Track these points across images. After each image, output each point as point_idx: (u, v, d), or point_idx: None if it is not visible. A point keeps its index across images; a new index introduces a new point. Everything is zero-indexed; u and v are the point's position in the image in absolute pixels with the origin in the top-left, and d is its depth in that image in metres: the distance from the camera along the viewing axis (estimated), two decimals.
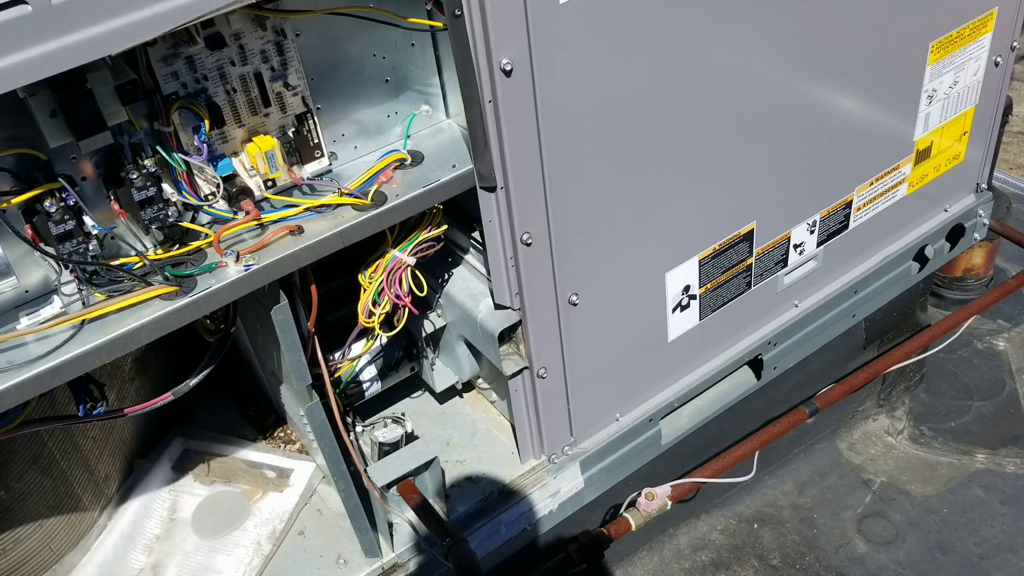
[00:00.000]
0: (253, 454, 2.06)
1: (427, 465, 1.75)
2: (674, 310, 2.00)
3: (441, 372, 2.01)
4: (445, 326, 1.93)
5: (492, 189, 1.58)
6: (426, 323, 1.93)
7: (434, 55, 1.64)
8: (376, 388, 1.94)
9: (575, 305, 1.79)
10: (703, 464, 2.09)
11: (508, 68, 1.46)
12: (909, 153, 2.22)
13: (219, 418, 2.18)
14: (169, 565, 1.85)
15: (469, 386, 2.15)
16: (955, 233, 2.51)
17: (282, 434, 2.13)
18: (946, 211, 2.46)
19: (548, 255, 1.70)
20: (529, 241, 1.65)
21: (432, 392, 2.12)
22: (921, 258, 2.45)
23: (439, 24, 1.53)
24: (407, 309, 1.67)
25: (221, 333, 1.57)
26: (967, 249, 2.68)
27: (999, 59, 2.25)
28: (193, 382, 1.58)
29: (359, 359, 1.82)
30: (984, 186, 2.50)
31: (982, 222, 2.54)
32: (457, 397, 2.16)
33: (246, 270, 1.41)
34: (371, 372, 1.91)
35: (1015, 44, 2.27)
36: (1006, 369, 3.01)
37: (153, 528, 1.92)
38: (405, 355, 1.96)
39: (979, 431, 2.84)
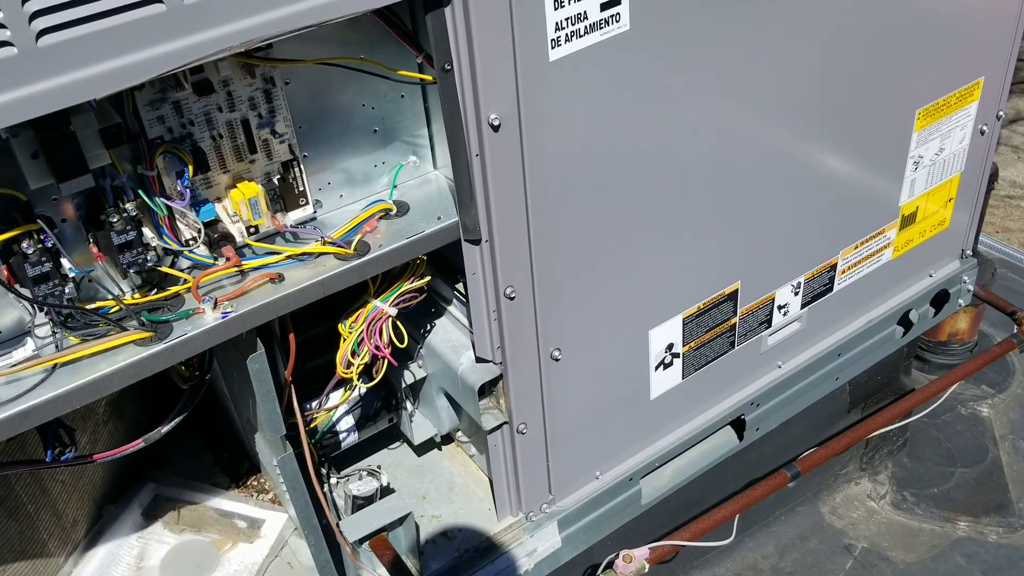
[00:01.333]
0: (225, 503, 2.02)
1: (401, 521, 1.72)
2: (657, 368, 1.98)
3: (420, 424, 1.98)
4: (426, 377, 1.90)
5: (477, 242, 1.58)
6: (406, 374, 1.90)
7: (423, 107, 1.65)
8: (353, 439, 1.91)
9: (557, 360, 1.78)
10: (683, 526, 2.06)
11: (496, 123, 1.46)
12: (894, 218, 2.23)
13: (192, 464, 2.14)
14: None
15: (448, 439, 2.12)
16: (940, 298, 2.51)
17: (256, 483, 2.09)
18: (931, 276, 2.47)
19: (531, 309, 1.69)
20: (513, 295, 1.64)
21: (410, 444, 2.09)
22: (905, 322, 2.45)
23: (429, 77, 1.54)
24: (387, 360, 1.64)
25: (196, 380, 1.54)
26: (952, 314, 2.68)
27: (985, 127, 2.28)
28: (165, 429, 1.55)
29: (336, 409, 1.79)
30: (969, 252, 2.52)
31: (967, 288, 2.55)
32: (436, 450, 2.13)
33: (223, 317, 1.39)
34: (348, 422, 1.88)
35: (1001, 113, 2.29)
36: (989, 436, 3.00)
37: None
38: (384, 406, 1.94)
39: (962, 498, 2.82)
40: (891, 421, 2.36)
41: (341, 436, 1.88)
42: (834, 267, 2.18)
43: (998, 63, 2.19)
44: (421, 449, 2.11)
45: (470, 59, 1.40)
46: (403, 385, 1.92)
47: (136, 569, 1.89)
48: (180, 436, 1.70)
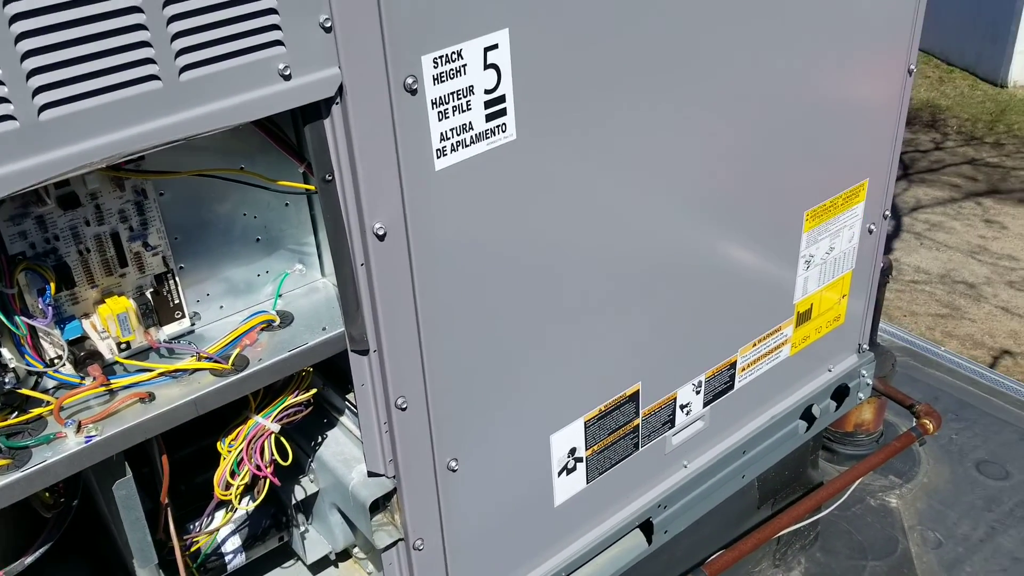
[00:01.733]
0: None
1: None
2: (560, 473, 1.94)
3: (313, 541, 1.88)
4: (318, 492, 1.82)
5: (365, 352, 1.53)
6: (297, 489, 1.82)
7: (309, 214, 1.62)
8: (240, 560, 1.81)
9: (454, 471, 1.72)
10: None
11: (381, 232, 1.44)
12: (790, 315, 2.27)
13: None
14: None
15: (345, 554, 2.02)
16: (840, 392, 2.54)
17: None
18: (830, 371, 2.50)
19: (425, 420, 1.64)
20: (404, 406, 1.59)
21: (305, 563, 1.99)
22: (808, 417, 2.47)
23: (312, 188, 1.51)
24: (267, 481, 1.57)
25: (60, 508, 1.44)
26: (854, 407, 2.72)
27: (872, 227, 2.35)
28: (28, 560, 1.44)
29: (219, 531, 1.69)
30: (866, 346, 2.57)
31: (865, 382, 2.59)
32: (332, 567, 2.03)
33: (87, 441, 1.31)
34: (235, 543, 1.78)
35: (887, 213, 2.38)
36: (899, 526, 3.02)
37: None
38: (274, 523, 1.84)
39: None
40: (799, 518, 2.35)
41: (227, 558, 1.78)
42: (734, 365, 2.19)
43: (881, 166, 2.28)
44: (316, 568, 2.00)
45: (352, 170, 1.38)
46: (293, 501, 1.83)
47: None
48: (57, 558, 1.58)
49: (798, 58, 1.91)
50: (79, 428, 1.31)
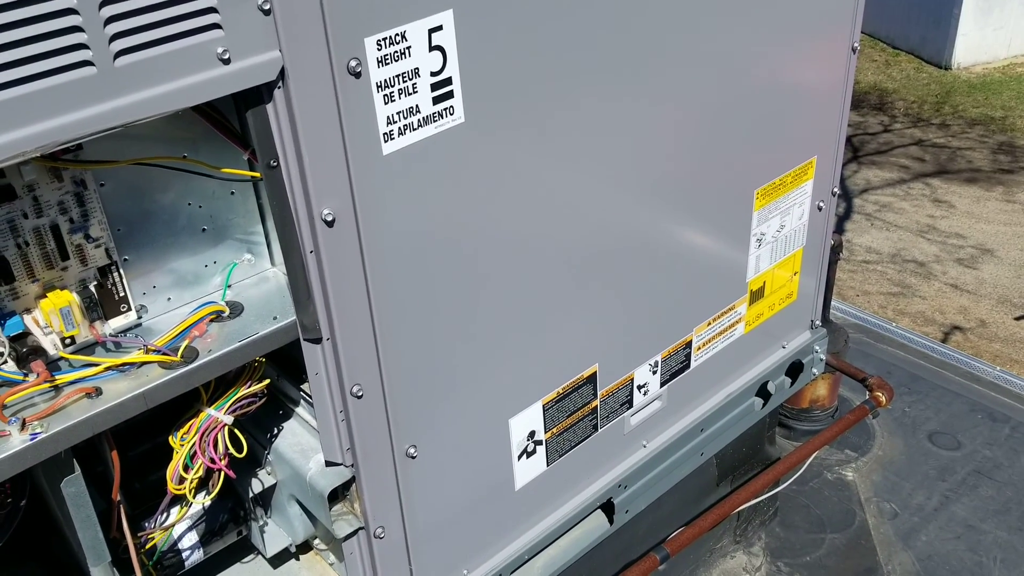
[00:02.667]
0: None
1: None
2: (520, 457, 1.94)
3: (273, 534, 1.86)
4: (276, 484, 1.80)
5: (317, 341, 1.52)
6: (255, 482, 1.80)
7: (256, 203, 1.60)
8: (198, 556, 1.78)
9: (413, 458, 1.71)
10: None
11: (330, 218, 1.42)
12: (743, 293, 2.29)
13: None
14: None
15: (306, 546, 2.01)
16: (795, 368, 2.57)
17: None
18: (784, 348, 2.53)
19: (382, 407, 1.63)
20: (360, 393, 1.58)
21: (264, 556, 1.97)
22: (764, 394, 2.50)
23: (256, 174, 1.49)
24: (223, 473, 1.55)
25: (8, 508, 1.41)
26: (809, 383, 2.76)
27: (822, 204, 2.38)
28: None
29: (174, 527, 1.67)
30: (818, 323, 2.60)
31: (819, 357, 2.62)
32: (293, 560, 2.01)
33: (32, 439, 1.27)
34: (192, 539, 1.75)
35: (835, 190, 2.41)
36: (855, 499, 3.07)
37: None
38: (231, 518, 1.81)
39: (833, 565, 2.86)
40: (757, 493, 2.38)
41: (184, 554, 1.75)
42: (689, 344, 2.20)
43: (829, 143, 2.31)
44: (276, 561, 1.98)
45: (297, 155, 1.36)
46: (251, 494, 1.81)
47: None
48: (8, 560, 1.54)
49: (744, 37, 1.93)
50: (23, 426, 1.28)
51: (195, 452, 1.50)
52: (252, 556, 2.01)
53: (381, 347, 1.58)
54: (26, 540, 1.46)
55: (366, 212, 1.46)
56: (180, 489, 1.51)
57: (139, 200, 1.45)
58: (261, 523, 1.85)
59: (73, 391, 1.34)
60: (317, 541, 1.96)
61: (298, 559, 2.01)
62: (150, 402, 1.38)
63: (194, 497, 1.55)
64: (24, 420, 1.29)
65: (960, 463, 3.28)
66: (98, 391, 1.36)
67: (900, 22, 11.84)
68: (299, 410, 1.77)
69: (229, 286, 1.57)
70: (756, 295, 2.33)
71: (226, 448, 1.53)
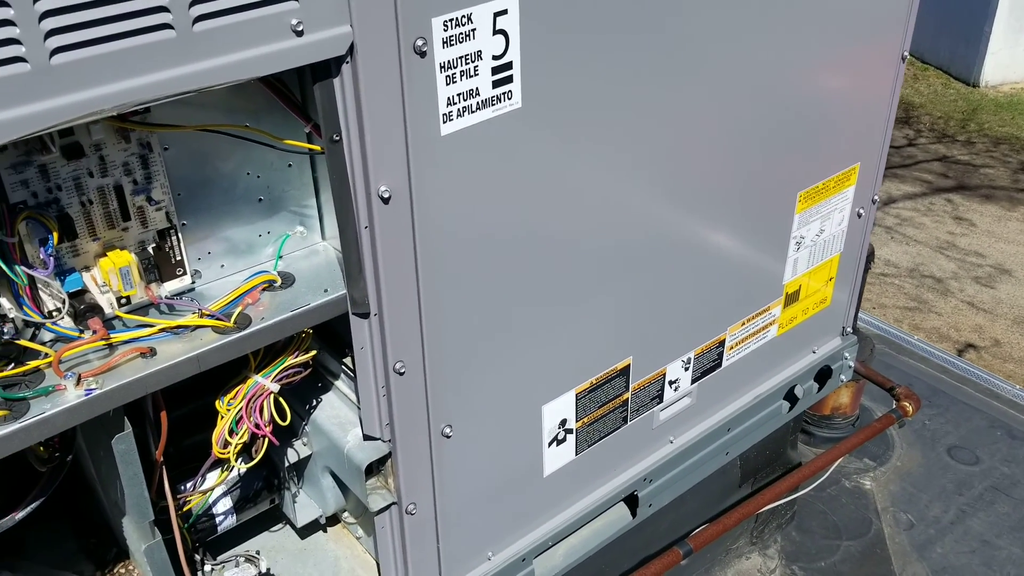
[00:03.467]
0: None
1: None
2: (551, 444, 1.96)
3: (304, 505, 1.89)
4: (311, 455, 1.82)
5: (365, 315, 1.53)
6: (290, 452, 1.82)
7: (312, 177, 1.61)
8: (231, 522, 1.80)
9: (448, 438, 1.73)
10: None
11: (386, 195, 1.43)
12: (779, 296, 2.29)
13: (54, 550, 1.97)
14: None
15: (334, 519, 2.03)
16: (823, 374, 2.58)
17: (123, 570, 1.94)
18: (814, 352, 2.54)
19: (422, 385, 1.64)
20: (402, 370, 1.60)
21: (293, 526, 1.99)
22: (791, 397, 2.50)
23: (317, 148, 1.51)
24: (267, 439, 1.56)
25: (56, 462, 1.43)
26: (834, 389, 2.76)
27: (861, 211, 2.38)
28: (19, 516, 1.43)
29: (212, 491, 1.69)
30: (849, 329, 2.60)
31: (848, 364, 2.62)
32: (321, 532, 2.03)
33: (87, 395, 1.29)
34: (226, 504, 1.77)
35: (875, 197, 2.41)
36: (872, 508, 3.08)
37: None
38: (265, 486, 1.84)
39: (848, 571, 2.87)
40: (780, 495, 2.38)
41: (218, 519, 1.77)
42: (723, 343, 2.21)
43: (872, 150, 2.31)
44: (305, 531, 2.01)
45: (359, 131, 1.38)
46: (286, 464, 1.83)
47: None
48: (41, 518, 1.56)
49: (799, 43, 1.93)
50: (79, 381, 1.30)
51: (241, 417, 1.52)
52: (281, 525, 2.03)
53: (425, 326, 1.59)
54: (57, 498, 1.47)
55: (421, 191, 1.47)
56: (224, 453, 1.53)
57: (200, 167, 1.46)
58: (293, 493, 1.88)
59: (128, 350, 1.36)
60: (346, 514, 1.98)
61: (326, 531, 2.04)
62: (203, 365, 1.39)
63: (236, 462, 1.57)
64: (80, 375, 1.30)
65: (978, 478, 3.28)
66: (152, 351, 1.37)
67: (930, 37, 11.76)
68: (338, 383, 1.78)
69: (281, 257, 1.59)
70: (791, 298, 2.33)
71: (271, 416, 1.55)
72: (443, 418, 1.71)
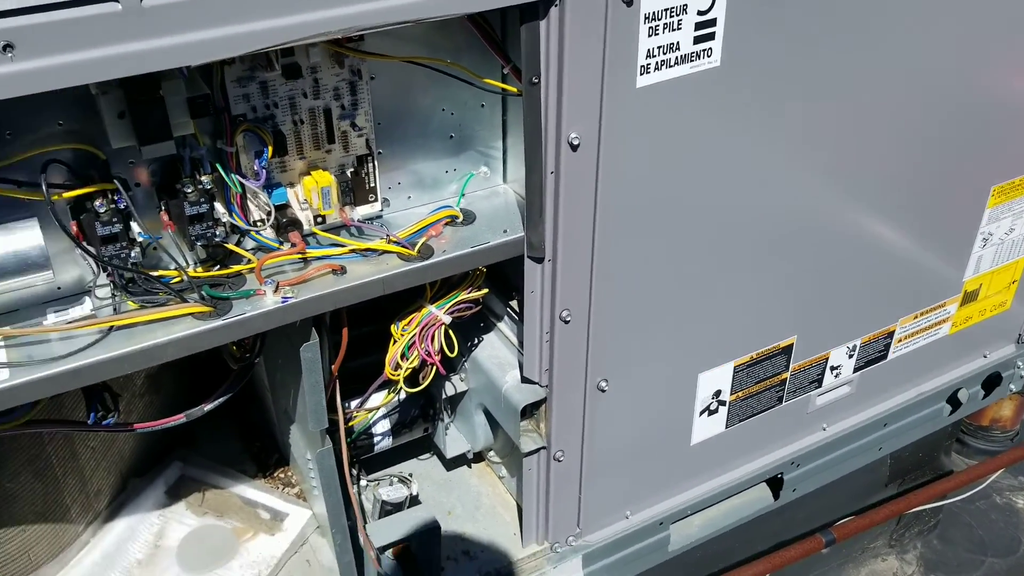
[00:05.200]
0: (250, 491, 1.99)
1: (429, 533, 1.68)
2: (702, 413, 1.95)
3: (454, 438, 1.95)
4: (467, 391, 1.88)
5: (540, 260, 1.56)
6: (447, 386, 1.88)
7: (501, 119, 1.64)
8: (387, 443, 1.89)
9: (603, 392, 1.75)
10: None
11: (576, 142, 1.45)
12: (957, 293, 2.18)
13: (221, 448, 2.12)
14: None
15: (479, 457, 2.09)
16: (991, 381, 2.45)
17: (282, 475, 2.07)
18: (985, 357, 2.41)
19: (584, 336, 1.66)
20: (568, 318, 1.62)
21: (441, 457, 2.06)
22: (954, 401, 2.39)
23: (512, 89, 1.53)
24: (434, 368, 1.62)
25: (245, 362, 1.53)
26: (1000, 399, 2.61)
27: None
28: (208, 407, 1.54)
29: (376, 411, 1.77)
30: None
31: (1020, 374, 2.48)
32: (465, 466, 2.10)
33: (283, 302, 1.38)
34: (385, 426, 1.86)
35: None
36: (1023, 528, 2.91)
37: (136, 552, 1.85)
38: (421, 415, 1.91)
39: None
40: (930, 500, 2.29)
41: (375, 439, 1.86)
42: (891, 334, 2.13)
43: None
44: (450, 464, 2.08)
45: (558, 75, 1.39)
46: (443, 397, 1.89)
47: (153, 547, 1.87)
48: (211, 419, 1.69)
49: (1002, 28, 1.81)
50: (277, 289, 1.38)
51: (413, 343, 1.59)
52: (428, 455, 2.11)
53: (595, 277, 1.61)
54: (227, 403, 1.57)
55: (609, 141, 1.48)
56: (395, 375, 1.60)
57: (401, 99, 1.52)
58: (446, 425, 1.94)
59: (321, 266, 1.43)
60: (492, 453, 2.03)
61: (470, 467, 2.10)
62: (387, 288, 1.46)
63: (404, 385, 1.63)
64: (278, 284, 1.39)
65: None
66: (343, 270, 1.44)
67: None
68: (501, 325, 1.82)
69: (463, 195, 1.63)
70: (969, 297, 2.22)
71: (441, 346, 1.60)
72: (600, 372, 1.72)
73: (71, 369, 1.25)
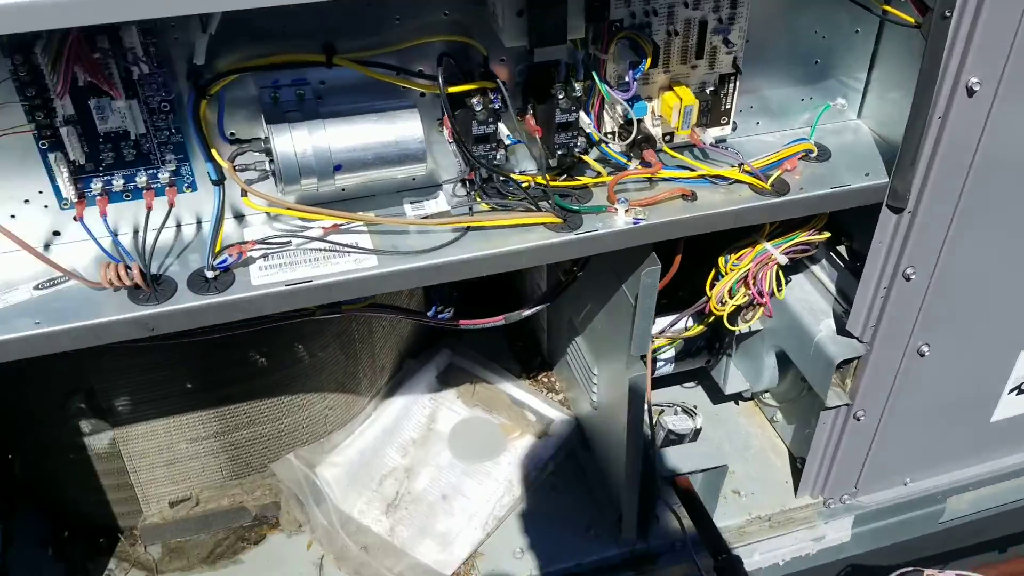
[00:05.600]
0: (517, 391, 2.01)
1: (716, 472, 1.64)
2: (1011, 391, 1.79)
3: (735, 376, 1.88)
4: (760, 331, 1.79)
5: (899, 211, 1.43)
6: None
7: (872, 49, 1.49)
8: (668, 369, 1.84)
9: (923, 356, 1.62)
10: (989, 564, 1.88)
11: (975, 88, 1.29)
12: None
13: (486, 342, 2.14)
14: (421, 473, 1.84)
15: (750, 396, 2.02)
16: None
17: (546, 379, 2.08)
18: None
19: (921, 297, 1.53)
20: (911, 275, 1.49)
21: (707, 388, 2.01)
22: None
23: (909, 19, 1.37)
24: (761, 310, 1.54)
25: (573, 275, 1.50)
26: None
27: None
28: (526, 313, 1.53)
29: (679, 340, 1.72)
30: None
31: None
32: (732, 403, 2.03)
33: (635, 223, 1.32)
34: (670, 353, 1.81)
35: None
36: None
37: (411, 431, 1.92)
38: (706, 346, 1.85)
39: None
40: None
41: (659, 364, 1.82)
42: None
43: None
44: (719, 399, 2.02)
45: (975, 11, 1.23)
46: (734, 332, 1.81)
47: (427, 429, 1.93)
48: (475, 313, 1.69)
49: None
50: (628, 208, 1.33)
51: (743, 279, 1.51)
52: (693, 384, 2.05)
53: (950, 236, 1.46)
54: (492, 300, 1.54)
55: (1008, 90, 1.31)
56: (720, 310, 1.53)
57: (778, 16, 1.40)
58: (727, 361, 1.87)
59: (673, 189, 1.36)
60: (767, 395, 1.96)
61: (737, 403, 2.03)
62: (739, 221, 1.37)
63: (727, 322, 1.56)
64: (631, 203, 1.33)
65: None
66: (694, 195, 1.37)
67: None
68: (816, 269, 1.71)
69: (815, 128, 1.50)
70: None
71: (772, 287, 1.52)
72: (925, 336, 1.60)
73: (434, 264, 1.25)
